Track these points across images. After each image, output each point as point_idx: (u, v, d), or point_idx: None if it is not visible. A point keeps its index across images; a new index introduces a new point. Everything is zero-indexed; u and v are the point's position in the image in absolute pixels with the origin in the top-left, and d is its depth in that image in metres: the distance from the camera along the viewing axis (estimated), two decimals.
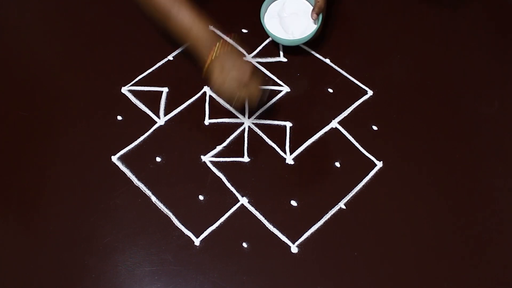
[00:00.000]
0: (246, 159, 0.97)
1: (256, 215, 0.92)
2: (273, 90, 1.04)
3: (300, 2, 1.06)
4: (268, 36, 1.09)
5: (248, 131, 1.00)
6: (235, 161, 0.97)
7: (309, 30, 1.03)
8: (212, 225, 0.91)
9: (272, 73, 1.06)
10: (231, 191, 0.94)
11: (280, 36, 1.02)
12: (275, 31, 1.03)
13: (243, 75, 0.90)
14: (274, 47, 1.09)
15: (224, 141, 0.99)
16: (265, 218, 0.92)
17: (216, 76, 0.90)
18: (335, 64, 1.07)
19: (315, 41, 1.08)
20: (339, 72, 1.06)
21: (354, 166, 0.96)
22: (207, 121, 1.01)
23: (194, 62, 1.08)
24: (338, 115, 1.01)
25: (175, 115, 1.02)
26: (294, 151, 0.98)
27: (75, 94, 1.05)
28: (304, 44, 1.07)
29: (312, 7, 1.04)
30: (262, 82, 0.95)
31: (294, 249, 0.89)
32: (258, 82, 0.93)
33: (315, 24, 1.04)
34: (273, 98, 1.03)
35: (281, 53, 1.08)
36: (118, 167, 0.97)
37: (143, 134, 1.00)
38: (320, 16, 1.02)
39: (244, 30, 1.11)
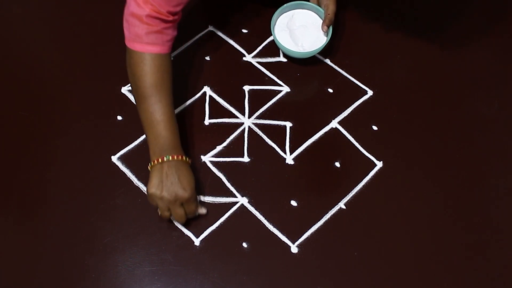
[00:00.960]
0: (246, 159, 0.97)
1: (256, 215, 0.92)
2: (273, 90, 1.04)
3: (308, 14, 1.07)
4: (268, 36, 1.09)
5: (248, 131, 1.00)
6: (235, 161, 0.97)
7: (318, 41, 1.04)
8: (212, 225, 0.91)
9: (272, 73, 1.06)
10: (231, 191, 0.94)
11: (291, 49, 1.02)
12: (286, 43, 1.03)
13: (170, 199, 0.85)
14: (274, 47, 1.09)
15: (224, 141, 0.99)
16: (265, 218, 0.92)
17: (152, 186, 0.85)
18: (335, 64, 1.07)
19: None
20: (339, 72, 1.06)
21: (354, 166, 0.96)
22: (207, 121, 1.01)
23: (194, 62, 1.08)
24: (338, 115, 1.01)
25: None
26: (294, 151, 0.98)
27: (75, 94, 1.05)
28: None
29: (320, 19, 1.06)
30: (195, 207, 0.89)
31: (294, 249, 0.89)
32: (193, 205, 0.88)
33: (325, 36, 1.04)
34: (273, 98, 1.03)
35: (281, 53, 1.08)
36: (118, 167, 0.97)
37: (143, 134, 0.99)
38: (330, 28, 1.03)
39: (244, 30, 1.11)
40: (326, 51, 1.07)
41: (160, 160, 0.85)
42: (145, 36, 0.86)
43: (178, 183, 0.85)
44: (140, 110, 0.89)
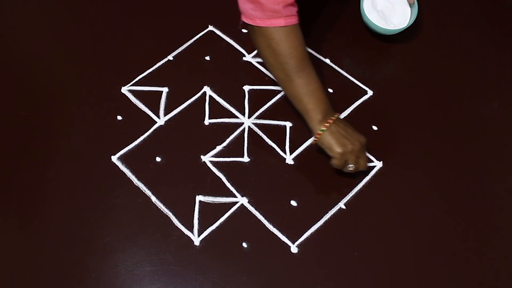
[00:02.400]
0: (246, 159, 0.97)
1: (256, 215, 0.92)
2: (273, 90, 1.04)
3: None
4: None
5: (248, 131, 1.00)
6: (235, 161, 0.97)
7: (404, 14, 1.07)
8: (212, 225, 0.91)
9: None
10: (231, 191, 0.94)
11: (386, 28, 1.05)
12: (380, 24, 1.05)
13: (358, 148, 0.89)
14: None
15: (224, 141, 0.99)
16: (265, 218, 0.92)
17: (335, 149, 0.88)
18: (335, 64, 1.07)
19: (314, 41, 1.08)
20: (339, 72, 1.06)
21: None
22: (207, 121, 1.01)
23: (194, 62, 1.08)
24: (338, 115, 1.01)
25: (175, 115, 1.02)
26: (294, 151, 0.98)
27: (75, 94, 1.05)
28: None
29: None
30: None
31: (294, 249, 0.89)
32: (365, 152, 0.93)
33: (410, 7, 1.07)
34: (273, 98, 1.03)
35: None
36: (118, 167, 0.97)
37: (143, 134, 1.00)
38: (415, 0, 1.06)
39: (244, 30, 1.11)
40: (326, 50, 1.07)
41: (329, 122, 0.89)
42: (283, 10, 0.86)
43: (353, 133, 0.90)
44: (293, 85, 0.90)
